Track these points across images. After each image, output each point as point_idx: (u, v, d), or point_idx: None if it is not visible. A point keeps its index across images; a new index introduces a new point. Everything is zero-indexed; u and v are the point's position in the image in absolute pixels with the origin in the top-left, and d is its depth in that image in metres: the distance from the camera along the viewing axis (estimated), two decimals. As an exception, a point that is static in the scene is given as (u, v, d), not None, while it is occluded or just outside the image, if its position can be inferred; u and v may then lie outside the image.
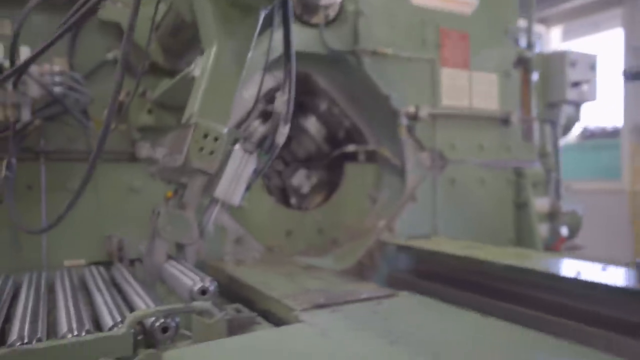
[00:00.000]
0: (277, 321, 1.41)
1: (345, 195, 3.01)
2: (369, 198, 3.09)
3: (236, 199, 1.64)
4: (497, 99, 3.31)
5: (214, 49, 1.36)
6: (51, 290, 1.64)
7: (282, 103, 1.77)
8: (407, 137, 2.95)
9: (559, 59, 3.77)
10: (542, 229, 3.51)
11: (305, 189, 3.13)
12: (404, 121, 2.88)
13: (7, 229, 1.93)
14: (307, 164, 3.16)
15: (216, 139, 1.35)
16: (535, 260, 2.20)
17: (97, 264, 2.09)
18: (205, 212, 1.68)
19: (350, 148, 3.09)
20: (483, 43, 3.24)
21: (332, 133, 3.16)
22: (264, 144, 1.77)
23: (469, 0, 3.17)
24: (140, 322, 1.17)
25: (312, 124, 3.10)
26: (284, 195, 3.08)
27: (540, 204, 3.52)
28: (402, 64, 2.92)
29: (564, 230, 3.50)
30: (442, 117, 3.08)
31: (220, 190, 1.69)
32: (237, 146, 1.43)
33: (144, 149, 2.15)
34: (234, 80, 1.42)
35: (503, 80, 3.33)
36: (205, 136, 1.34)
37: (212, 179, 1.68)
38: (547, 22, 9.84)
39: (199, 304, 1.23)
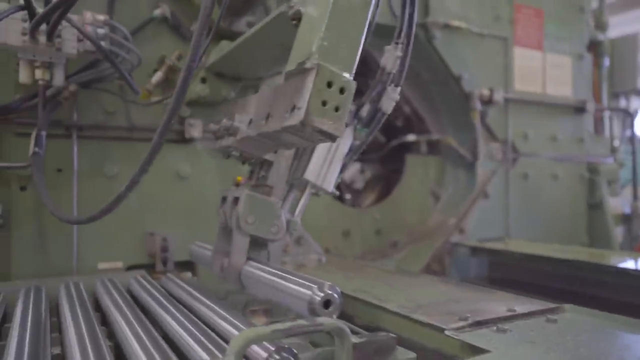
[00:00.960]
0: (413, 346, 1.03)
1: (405, 192, 2.63)
2: (432, 194, 2.71)
3: (329, 184, 1.29)
4: (571, 85, 2.95)
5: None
6: (97, 306, 1.26)
7: (394, 59, 1.40)
8: (478, 124, 2.59)
9: (630, 43, 3.41)
10: (617, 233, 3.14)
11: (359, 184, 2.76)
12: (477, 105, 2.51)
13: (32, 222, 1.55)
14: (361, 157, 2.78)
15: (342, 91, 0.92)
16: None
17: (136, 267, 1.71)
18: (287, 199, 1.30)
19: (411, 138, 2.71)
20: (558, 21, 2.88)
21: (389, 121, 2.77)
22: (359, 114, 1.40)
23: (544, -28, 2.82)
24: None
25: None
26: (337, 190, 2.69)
27: (613, 204, 3.15)
28: (474, 41, 2.56)
29: (643, 234, 3.12)
30: (515, 104, 2.71)
31: (310, 172, 1.31)
32: None
33: (196, 128, 1.77)
34: (362, 17, 1.01)
35: (577, 64, 2.97)
36: (329, 85, 0.91)
37: (302, 156, 1.30)
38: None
39: (328, 320, 0.84)
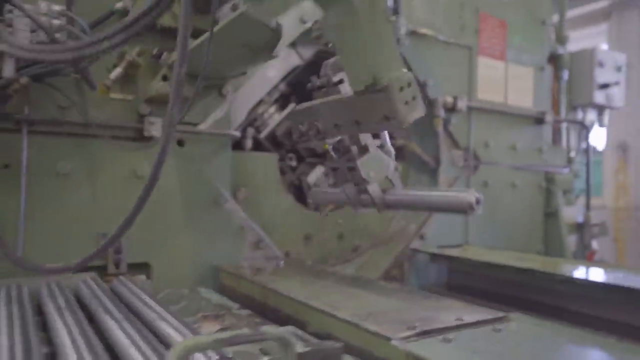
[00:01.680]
0: (361, 354, 1.03)
1: (368, 196, 2.64)
2: (395, 200, 2.73)
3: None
4: (531, 96, 3.03)
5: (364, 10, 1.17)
6: (39, 309, 1.21)
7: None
8: (441, 131, 2.62)
9: (588, 58, 3.52)
10: (570, 241, 3.24)
11: (323, 187, 2.74)
12: (441, 112, 2.55)
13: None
14: (325, 160, 2.78)
15: (409, 85, 1.21)
16: (604, 274, 1.90)
17: (86, 270, 1.65)
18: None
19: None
20: (520, 33, 2.95)
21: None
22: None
23: (509, -15, 2.88)
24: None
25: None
26: (299, 193, 2.68)
27: (568, 214, 3.26)
28: (440, 49, 2.59)
29: (595, 243, 3.23)
30: (478, 112, 2.77)
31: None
32: None
33: (156, 126, 1.72)
34: (388, 27, 1.24)
35: (538, 76, 3.05)
36: (401, 89, 1.20)
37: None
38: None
39: (273, 330, 0.83)
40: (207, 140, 1.93)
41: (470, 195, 1.32)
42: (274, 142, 2.57)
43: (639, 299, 1.64)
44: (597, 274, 1.90)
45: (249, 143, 2.29)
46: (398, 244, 2.55)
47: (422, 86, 2.53)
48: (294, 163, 2.68)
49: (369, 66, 1.21)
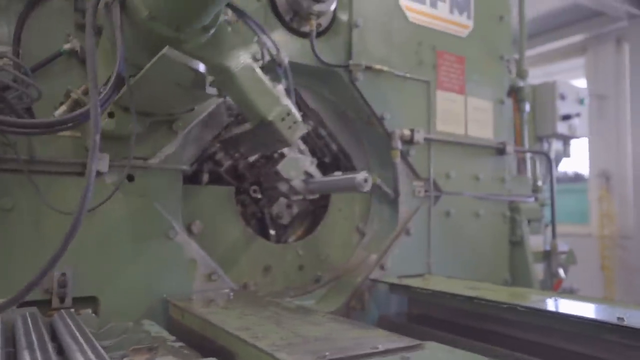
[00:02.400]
0: (270, 383, 1.04)
1: (330, 228, 2.67)
2: (357, 231, 2.76)
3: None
4: (492, 127, 3.11)
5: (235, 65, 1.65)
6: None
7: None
8: (401, 163, 2.68)
9: (549, 90, 3.64)
10: (538, 270, 3.26)
11: (286, 219, 2.78)
12: (398, 145, 2.60)
13: None
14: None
15: (289, 114, 1.71)
16: (560, 304, 1.91)
17: (30, 304, 1.65)
18: None
19: (337, 174, 2.76)
20: (478, 68, 3.05)
21: (318, 157, 2.84)
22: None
23: (465, 21, 3.00)
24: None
25: (295, 147, 2.78)
26: (261, 225, 2.71)
27: (535, 242, 3.29)
28: (397, 83, 2.67)
29: (561, 272, 3.25)
30: (437, 144, 2.83)
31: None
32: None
33: (103, 161, 1.76)
34: (260, 75, 1.70)
35: (498, 108, 3.14)
36: (283, 119, 1.69)
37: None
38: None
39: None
40: (158, 174, 1.97)
41: (359, 176, 1.95)
42: (236, 175, 2.61)
43: (586, 328, 1.64)
44: (546, 303, 1.91)
45: (205, 177, 2.33)
46: (359, 274, 2.56)
47: (380, 120, 2.60)
48: (258, 195, 2.72)
49: (254, 110, 1.68)
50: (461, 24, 2.98)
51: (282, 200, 2.70)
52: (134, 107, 1.52)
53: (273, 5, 2.36)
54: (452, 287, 2.23)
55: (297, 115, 1.77)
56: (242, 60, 1.63)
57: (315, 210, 2.86)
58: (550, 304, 1.84)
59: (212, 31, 1.52)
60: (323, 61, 2.41)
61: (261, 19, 2.27)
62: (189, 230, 2.16)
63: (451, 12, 2.95)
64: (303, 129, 1.78)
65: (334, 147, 2.78)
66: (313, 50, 2.37)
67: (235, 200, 2.41)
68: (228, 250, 2.32)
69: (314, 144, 2.78)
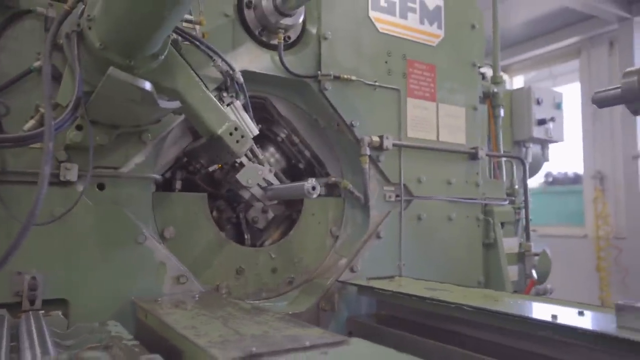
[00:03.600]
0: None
1: (304, 232, 2.77)
2: (330, 235, 2.85)
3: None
4: (465, 133, 3.19)
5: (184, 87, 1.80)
6: None
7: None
8: (370, 168, 2.77)
9: (525, 95, 3.72)
10: (512, 271, 3.34)
11: (261, 223, 2.88)
12: (366, 151, 2.70)
13: None
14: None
15: (236, 128, 1.90)
16: (508, 303, 2.00)
17: (0, 306, 1.76)
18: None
19: (311, 180, 2.86)
20: (450, 75, 3.14)
21: (292, 164, 2.95)
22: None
23: (435, 30, 3.09)
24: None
25: (270, 154, 2.89)
26: (237, 230, 2.81)
27: (509, 244, 3.37)
28: (366, 92, 2.77)
29: (534, 273, 3.33)
30: (408, 150, 2.92)
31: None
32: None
33: (72, 171, 1.88)
34: (208, 96, 1.89)
35: (470, 114, 3.23)
36: (231, 134, 1.87)
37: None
38: (508, 71, 10.16)
39: (89, 354, 0.95)
40: (128, 183, 2.08)
41: (308, 184, 2.12)
42: (212, 182, 2.72)
43: (535, 328, 1.70)
44: (494, 303, 1.99)
45: (178, 184, 2.44)
46: (330, 277, 2.66)
47: (349, 127, 2.70)
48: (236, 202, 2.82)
49: (204, 126, 1.85)
50: (432, 34, 3.08)
51: (259, 204, 2.80)
52: (88, 124, 1.64)
53: (242, 20, 2.47)
54: (414, 288, 2.32)
55: (248, 130, 2.03)
56: (191, 82, 1.76)
57: (291, 215, 2.97)
58: (497, 304, 1.92)
59: (161, 57, 1.64)
60: (292, 72, 2.52)
61: (230, 33, 2.38)
62: (161, 235, 2.26)
63: (421, 22, 3.04)
64: (250, 142, 1.99)
65: (307, 153, 2.88)
66: (282, 62, 2.47)
67: (209, 206, 2.51)
68: (201, 254, 2.42)
69: (288, 150, 2.89)
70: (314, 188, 2.10)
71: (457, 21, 3.20)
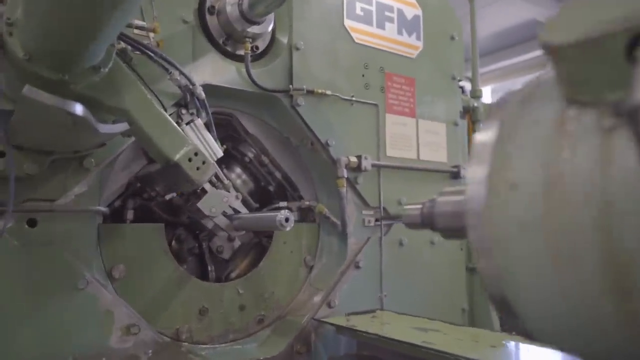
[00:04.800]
0: None
1: (275, 262, 2.49)
2: (304, 265, 2.58)
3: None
4: (446, 150, 2.99)
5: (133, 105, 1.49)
6: None
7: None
8: (348, 191, 2.52)
9: (505, 111, 3.55)
10: (497, 296, 3.14)
11: (227, 253, 2.59)
12: (344, 173, 2.45)
13: None
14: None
15: (196, 154, 1.63)
16: (508, 351, 1.77)
17: None
18: None
19: (282, 205, 2.59)
20: (430, 89, 2.94)
21: (261, 187, 2.67)
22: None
23: (414, 42, 2.89)
24: None
25: (236, 175, 2.60)
26: (200, 262, 2.51)
27: (493, 267, 3.17)
28: (342, 108, 2.53)
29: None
30: (388, 170, 2.69)
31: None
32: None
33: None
34: (162, 115, 1.59)
35: (451, 130, 3.03)
36: (190, 160, 1.61)
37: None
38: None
39: None
40: (67, 218, 1.75)
41: (280, 215, 1.81)
42: (170, 209, 2.41)
43: None
44: (493, 353, 1.77)
45: (129, 214, 2.12)
46: (304, 314, 2.38)
47: (324, 146, 2.44)
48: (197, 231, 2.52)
49: (158, 152, 1.56)
50: (410, 45, 2.87)
51: (222, 232, 2.51)
52: (10, 149, 1.31)
53: (204, 27, 2.18)
54: (401, 328, 2.08)
55: (210, 154, 1.80)
56: (141, 99, 1.47)
57: (260, 242, 2.68)
58: (496, 355, 1.70)
59: (105, 70, 1.35)
60: (260, 86, 2.25)
61: (189, 42, 2.10)
62: (109, 275, 1.94)
63: (399, 32, 2.83)
64: (213, 169, 1.72)
65: (278, 175, 2.61)
66: (249, 74, 2.20)
67: (166, 237, 2.20)
68: (157, 294, 2.11)
69: (256, 171, 2.61)
70: (287, 220, 1.81)
71: (436, 32, 3.01)
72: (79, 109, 1.13)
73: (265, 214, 1.99)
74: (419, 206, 0.73)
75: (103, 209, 1.86)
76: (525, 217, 0.43)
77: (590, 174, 0.38)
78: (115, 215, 2.12)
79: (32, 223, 1.69)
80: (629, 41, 0.35)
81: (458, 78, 3.11)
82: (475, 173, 0.49)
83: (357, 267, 2.52)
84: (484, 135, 0.50)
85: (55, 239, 1.72)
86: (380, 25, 2.74)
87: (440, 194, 0.70)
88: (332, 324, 2.25)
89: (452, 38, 3.10)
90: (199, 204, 1.97)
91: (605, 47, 0.37)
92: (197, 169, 1.64)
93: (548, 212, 0.41)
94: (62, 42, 1.23)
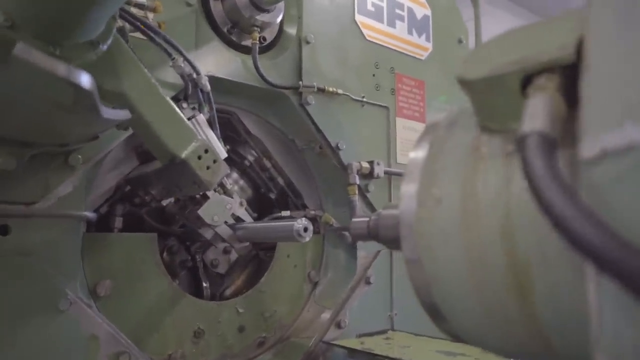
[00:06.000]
0: None
1: (277, 277, 2.24)
2: (308, 281, 2.34)
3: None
4: (455, 159, 2.82)
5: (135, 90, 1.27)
6: None
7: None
8: (359, 200, 2.30)
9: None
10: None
11: (223, 267, 2.32)
12: (355, 179, 2.24)
13: None
14: (226, 234, 2.37)
15: (207, 151, 1.40)
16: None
17: None
18: None
19: (284, 214, 2.35)
20: (439, 93, 2.77)
21: (261, 194, 2.43)
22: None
23: (424, 43, 2.72)
24: None
25: (232, 182, 2.35)
26: (193, 277, 2.24)
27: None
28: (353, 109, 2.32)
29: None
30: (397, 178, 2.49)
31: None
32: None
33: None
34: (168, 104, 1.37)
35: (460, 138, 2.86)
36: (200, 157, 1.38)
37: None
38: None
39: None
40: (46, 224, 1.47)
41: (298, 224, 1.56)
42: (162, 219, 2.14)
43: None
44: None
45: (118, 222, 1.85)
46: (311, 335, 2.14)
47: (334, 150, 2.23)
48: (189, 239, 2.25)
49: (162, 147, 1.33)
50: (420, 46, 2.70)
51: (221, 244, 2.25)
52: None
53: (207, 13, 1.95)
54: (424, 352, 1.86)
55: (218, 152, 1.51)
56: (145, 84, 1.23)
57: (258, 255, 2.43)
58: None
59: (104, 47, 1.10)
60: (269, 81, 2.02)
61: (192, 28, 1.86)
62: (93, 293, 1.66)
63: (410, 32, 2.66)
64: (225, 170, 1.49)
65: (280, 181, 2.38)
66: (256, 68, 1.97)
67: (159, 249, 1.93)
68: (148, 314, 1.83)
69: (256, 177, 2.37)
70: (305, 230, 1.58)
71: (444, 33, 2.86)
72: (85, 80, 0.87)
73: (278, 223, 1.74)
74: (366, 219, 0.77)
75: (90, 214, 1.58)
76: (448, 228, 0.48)
77: (496, 190, 0.44)
78: (99, 224, 1.84)
79: (4, 230, 1.40)
80: (523, 79, 0.42)
81: (466, 83, 2.95)
82: (408, 188, 0.54)
83: (368, 282, 2.30)
84: (416, 154, 0.55)
85: (33, 249, 1.43)
86: (391, 24, 2.57)
87: (385, 207, 0.73)
88: (344, 347, 2.02)
89: (460, 41, 2.95)
90: (200, 211, 1.72)
91: (505, 83, 0.43)
92: (207, 168, 1.40)
93: (465, 223, 0.46)
94: (53, 5, 0.97)
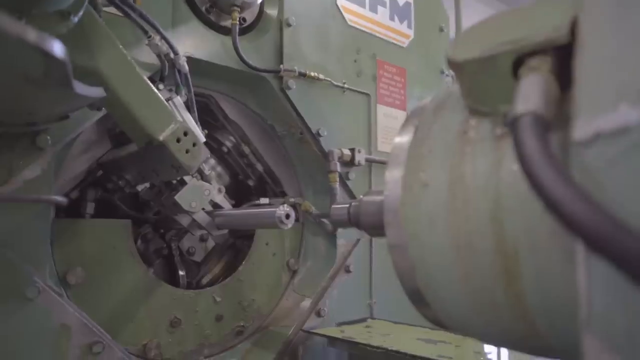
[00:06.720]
0: None
1: (255, 266, 2.19)
2: (288, 269, 2.31)
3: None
4: (435, 148, 2.81)
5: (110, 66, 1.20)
6: None
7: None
8: (339, 188, 2.27)
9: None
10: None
11: (199, 255, 2.27)
12: (336, 167, 2.20)
13: None
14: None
15: (186, 134, 1.35)
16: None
17: None
18: None
19: (263, 201, 2.31)
20: (419, 82, 2.75)
21: (239, 181, 2.37)
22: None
23: (405, 30, 2.69)
24: None
25: (210, 167, 2.28)
26: (169, 265, 2.17)
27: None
28: (334, 95, 2.28)
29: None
30: (378, 166, 2.47)
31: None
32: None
33: None
34: (145, 83, 1.31)
35: (440, 127, 2.85)
36: (178, 140, 1.33)
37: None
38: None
39: None
40: (12, 209, 1.39)
41: (280, 210, 1.50)
42: (136, 205, 2.07)
43: None
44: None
45: (89, 207, 1.77)
46: (290, 324, 2.11)
47: (315, 137, 2.18)
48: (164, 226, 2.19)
49: (140, 129, 1.28)
50: (402, 33, 2.67)
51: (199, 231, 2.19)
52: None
53: (185, -9, 1.87)
54: (405, 340, 1.85)
55: (198, 134, 1.47)
56: (120, 60, 1.17)
57: (235, 243, 2.38)
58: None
59: (75, 18, 1.03)
60: (249, 64, 1.96)
61: (169, 5, 1.78)
62: (63, 281, 1.59)
63: (391, 18, 2.63)
64: (205, 153, 1.46)
65: (259, 167, 2.32)
66: (236, 50, 1.91)
67: (133, 236, 1.86)
68: (122, 303, 1.77)
69: (234, 163, 2.31)
70: (287, 216, 1.53)
71: (426, 21, 2.83)
72: (58, 48, 0.79)
73: (260, 210, 1.69)
74: (347, 205, 0.76)
75: (60, 198, 1.50)
76: (434, 212, 0.47)
77: (485, 175, 0.43)
78: (69, 209, 1.75)
79: (-34, 215, 1.32)
80: (515, 61, 0.41)
81: (446, 73, 2.95)
82: (392, 173, 0.53)
83: (348, 271, 2.28)
84: (402, 139, 0.54)
85: (-3, 235, 1.36)
86: (373, 9, 2.53)
87: (365, 194, 0.72)
88: (324, 336, 1.99)
89: (441, 30, 2.94)
90: (177, 197, 1.66)
91: (496, 64, 0.42)
92: (187, 151, 1.34)
93: (452, 208, 0.45)
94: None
